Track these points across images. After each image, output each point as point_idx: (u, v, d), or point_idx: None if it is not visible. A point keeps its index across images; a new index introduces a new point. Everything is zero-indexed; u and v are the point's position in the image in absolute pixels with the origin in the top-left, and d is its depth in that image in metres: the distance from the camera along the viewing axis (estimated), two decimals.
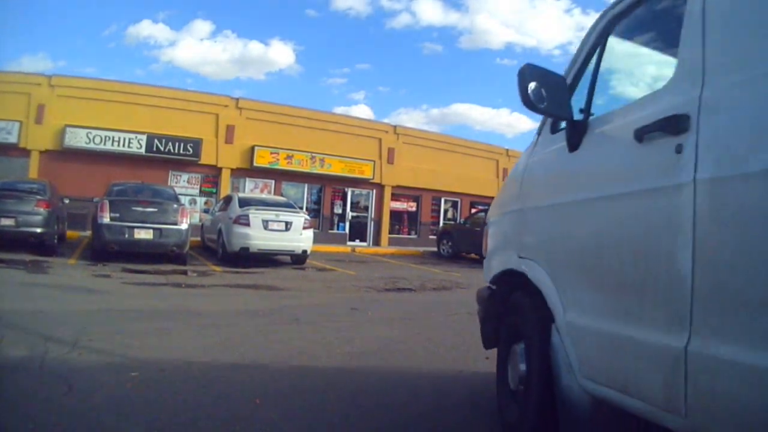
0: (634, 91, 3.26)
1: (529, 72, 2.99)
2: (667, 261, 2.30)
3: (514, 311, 3.92)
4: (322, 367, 5.79)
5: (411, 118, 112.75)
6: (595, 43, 3.35)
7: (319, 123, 28.31)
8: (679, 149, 2.27)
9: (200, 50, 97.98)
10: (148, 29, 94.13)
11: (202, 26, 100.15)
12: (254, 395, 4.64)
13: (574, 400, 3.04)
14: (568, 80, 3.44)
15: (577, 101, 3.30)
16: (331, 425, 4.17)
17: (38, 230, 14.03)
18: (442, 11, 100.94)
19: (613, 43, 3.28)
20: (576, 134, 3.15)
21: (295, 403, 4.57)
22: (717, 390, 2.02)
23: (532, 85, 2.98)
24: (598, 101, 3.24)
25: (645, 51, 3.32)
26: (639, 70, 3.32)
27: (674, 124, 2.32)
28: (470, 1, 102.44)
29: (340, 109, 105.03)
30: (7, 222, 13.69)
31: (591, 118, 3.17)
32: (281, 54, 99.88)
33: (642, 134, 2.50)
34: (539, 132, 3.83)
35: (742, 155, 1.99)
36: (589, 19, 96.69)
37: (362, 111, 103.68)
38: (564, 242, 3.23)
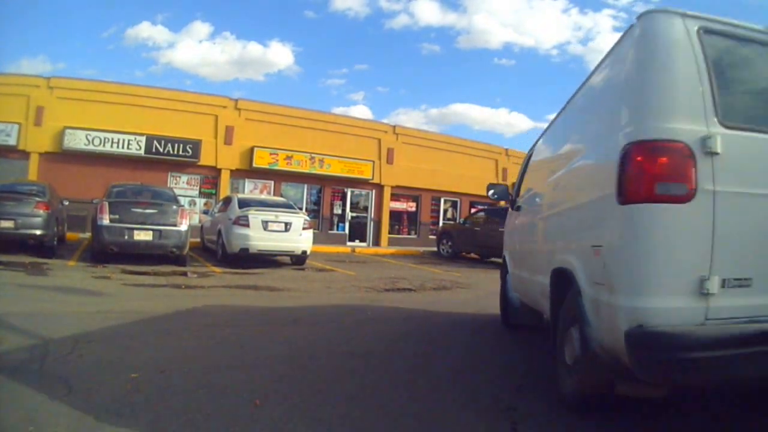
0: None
1: (489, 187, 8.39)
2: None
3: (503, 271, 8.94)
4: (322, 366, 5.79)
5: (410, 119, 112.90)
6: (522, 169, 8.22)
7: (319, 123, 28.30)
8: (517, 211, 7.70)
9: (199, 52, 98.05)
10: (147, 31, 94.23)
11: (201, 28, 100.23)
12: (254, 396, 4.64)
13: (513, 301, 7.89)
14: (516, 183, 8.34)
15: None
16: (330, 425, 4.17)
17: (38, 232, 14.01)
18: (440, 12, 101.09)
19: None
20: (512, 205, 8.04)
21: (295, 402, 4.56)
22: (518, 284, 7.63)
23: (491, 192, 8.39)
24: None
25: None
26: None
27: (518, 207, 7.70)
28: (468, 2, 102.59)
29: (339, 110, 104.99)
30: (7, 224, 13.66)
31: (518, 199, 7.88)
32: (280, 55, 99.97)
33: (514, 207, 7.98)
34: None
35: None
36: (587, 19, 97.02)
37: (361, 111, 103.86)
38: (511, 243, 8.32)
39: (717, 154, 3.37)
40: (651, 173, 3.41)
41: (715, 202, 3.34)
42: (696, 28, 3.65)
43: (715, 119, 3.43)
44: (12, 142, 22.28)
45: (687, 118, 3.44)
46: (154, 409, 4.24)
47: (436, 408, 4.65)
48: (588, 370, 4.07)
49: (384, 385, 5.25)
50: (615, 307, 3.46)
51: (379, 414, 4.44)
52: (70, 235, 19.31)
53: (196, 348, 6.22)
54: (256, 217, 15.43)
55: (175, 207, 14.91)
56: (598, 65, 4.80)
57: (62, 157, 22.93)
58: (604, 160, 3.90)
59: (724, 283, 3.32)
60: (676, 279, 3.32)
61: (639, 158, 3.46)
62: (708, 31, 3.69)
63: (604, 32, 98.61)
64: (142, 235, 14.07)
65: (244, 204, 16.38)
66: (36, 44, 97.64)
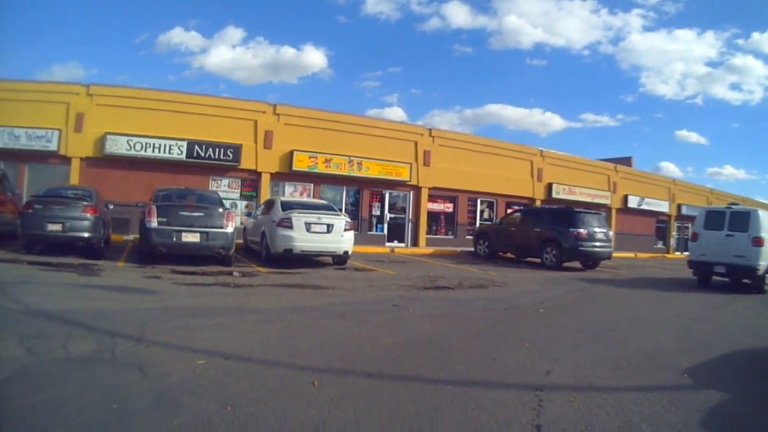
0: None
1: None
2: None
3: None
4: (369, 355, 6.34)
5: (444, 120, 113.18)
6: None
7: (356, 127, 28.76)
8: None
9: (232, 56, 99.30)
10: (180, 37, 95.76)
11: (234, 33, 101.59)
12: (312, 378, 5.23)
13: None
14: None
15: None
16: (381, 400, 4.74)
17: (86, 235, 14.57)
18: (470, 14, 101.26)
19: None
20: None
21: (349, 383, 5.17)
22: None
23: None
24: None
25: None
26: None
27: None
28: (498, 4, 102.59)
29: (373, 112, 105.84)
30: (55, 227, 14.27)
31: None
32: (313, 58, 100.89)
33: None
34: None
35: None
36: (617, 19, 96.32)
37: (396, 114, 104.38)
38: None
39: (701, 234, 17.94)
40: (692, 238, 18.65)
41: (700, 242, 17.86)
42: (705, 212, 18.74)
43: (704, 227, 17.85)
44: (53, 147, 22.93)
45: (698, 228, 18.16)
46: (224, 389, 4.83)
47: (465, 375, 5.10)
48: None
49: (426, 370, 5.79)
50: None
51: (424, 394, 4.95)
52: (114, 237, 19.92)
53: (253, 340, 6.78)
54: (299, 219, 15.82)
55: (221, 210, 15.33)
56: None
57: (103, 161, 23.62)
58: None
59: (702, 255, 17.74)
60: (698, 252, 18.02)
61: (690, 235, 19.85)
62: (707, 212, 18.61)
63: (634, 32, 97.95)
64: (190, 237, 14.52)
65: (287, 206, 16.76)
66: (68, 51, 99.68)
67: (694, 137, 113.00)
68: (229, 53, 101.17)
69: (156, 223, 14.30)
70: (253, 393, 4.70)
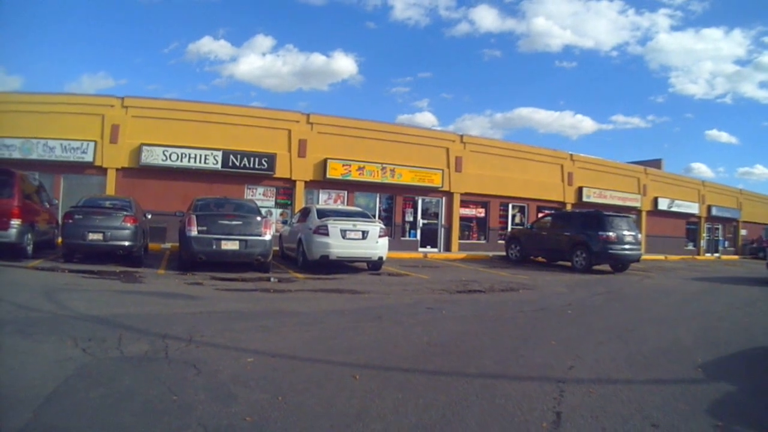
0: None
1: None
2: None
3: None
4: (405, 352, 6.80)
5: (475, 124, 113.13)
6: None
7: (388, 134, 29.20)
8: None
9: (262, 64, 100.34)
10: (209, 45, 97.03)
11: (264, 41, 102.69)
12: (353, 372, 5.72)
13: None
14: None
15: None
16: (417, 392, 5.20)
17: (127, 243, 14.99)
18: (498, 18, 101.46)
19: None
20: None
21: (387, 376, 5.67)
22: None
23: None
24: None
25: None
26: None
27: None
28: (526, 7, 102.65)
29: (404, 117, 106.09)
30: (96, 237, 14.75)
31: None
32: (343, 65, 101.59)
33: None
34: None
35: None
36: (644, 19, 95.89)
37: (427, 119, 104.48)
38: None
39: None
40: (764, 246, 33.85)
41: None
42: None
43: None
44: (88, 158, 23.61)
45: None
46: (274, 382, 5.34)
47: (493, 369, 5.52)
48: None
49: (457, 365, 6.25)
50: None
51: (461, 388, 5.41)
52: (152, 245, 20.35)
53: (297, 340, 7.27)
54: (335, 226, 16.20)
55: (259, 218, 15.73)
56: None
57: (139, 172, 24.30)
58: None
59: None
60: None
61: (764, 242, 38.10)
62: None
63: (662, 31, 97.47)
64: (229, 245, 14.91)
65: (322, 214, 17.21)
66: (97, 61, 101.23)
67: (724, 137, 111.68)
68: (258, 61, 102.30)
69: (196, 232, 14.69)
70: (300, 385, 5.20)
